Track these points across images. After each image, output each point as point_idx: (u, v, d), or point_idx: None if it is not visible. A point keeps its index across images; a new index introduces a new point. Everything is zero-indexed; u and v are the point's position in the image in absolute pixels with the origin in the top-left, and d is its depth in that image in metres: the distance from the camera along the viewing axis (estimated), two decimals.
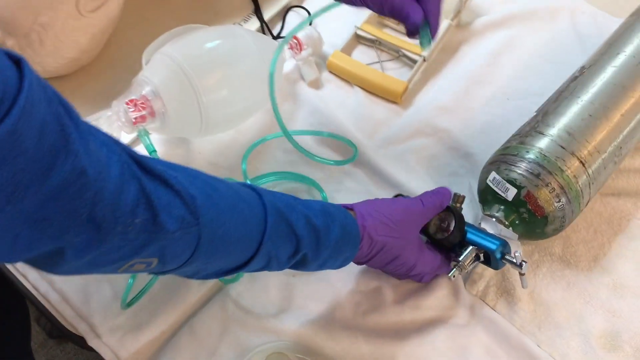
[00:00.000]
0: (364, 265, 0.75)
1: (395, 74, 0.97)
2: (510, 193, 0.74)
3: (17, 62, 0.39)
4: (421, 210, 0.71)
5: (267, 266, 0.62)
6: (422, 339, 0.74)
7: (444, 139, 0.91)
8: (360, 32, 1.02)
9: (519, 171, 0.73)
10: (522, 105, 0.95)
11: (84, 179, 0.42)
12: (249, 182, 0.83)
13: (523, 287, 0.74)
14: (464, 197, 0.76)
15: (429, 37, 0.71)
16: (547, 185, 0.72)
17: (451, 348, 0.74)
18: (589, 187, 0.75)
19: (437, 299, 0.77)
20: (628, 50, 0.82)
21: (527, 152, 0.74)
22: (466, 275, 0.79)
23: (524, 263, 0.71)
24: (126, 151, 0.49)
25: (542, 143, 0.75)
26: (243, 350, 0.74)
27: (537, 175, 0.72)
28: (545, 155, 0.73)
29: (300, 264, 0.64)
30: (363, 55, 1.02)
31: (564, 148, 0.74)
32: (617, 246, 0.81)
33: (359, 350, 0.74)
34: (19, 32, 0.80)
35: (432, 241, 0.74)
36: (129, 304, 0.75)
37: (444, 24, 0.99)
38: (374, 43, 1.02)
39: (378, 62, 1.00)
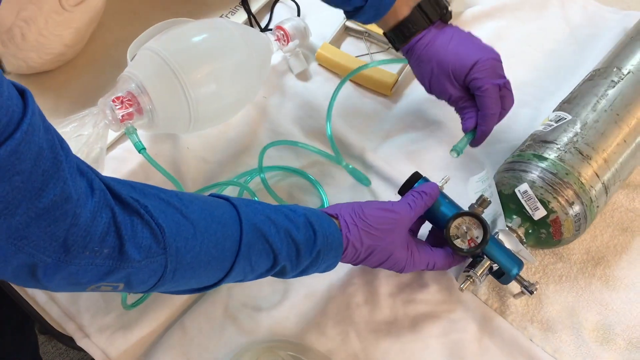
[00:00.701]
0: None
1: (385, 66, 0.96)
2: (539, 213, 0.72)
3: (22, 93, 0.43)
4: (409, 216, 0.70)
5: (243, 280, 0.63)
6: (414, 335, 0.74)
7: (435, 131, 0.90)
8: (349, 24, 1.00)
9: (555, 195, 0.71)
10: (514, 96, 0.94)
11: (68, 204, 0.45)
12: (262, 175, 0.83)
13: (515, 298, 0.74)
14: (489, 203, 0.73)
15: (465, 144, 0.78)
16: (575, 215, 0.71)
17: (444, 343, 0.74)
18: (601, 209, 0.76)
19: (430, 293, 0.77)
20: None
21: (567, 174, 0.71)
22: (459, 271, 0.78)
23: (534, 291, 0.70)
24: (102, 180, 0.51)
25: (585, 171, 0.72)
26: (235, 347, 0.74)
27: (571, 204, 0.71)
28: (583, 184, 0.71)
29: (280, 273, 0.65)
30: (352, 47, 1.01)
31: (597, 175, 0.72)
32: (610, 238, 0.81)
33: (351, 347, 0.73)
34: (1, 27, 0.79)
35: (450, 246, 0.71)
36: (134, 305, 0.75)
37: None
38: (363, 35, 1.01)
39: (367, 54, 0.99)
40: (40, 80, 0.93)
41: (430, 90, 0.81)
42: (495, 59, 0.77)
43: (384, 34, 0.82)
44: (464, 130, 0.79)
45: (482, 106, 0.76)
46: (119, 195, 0.51)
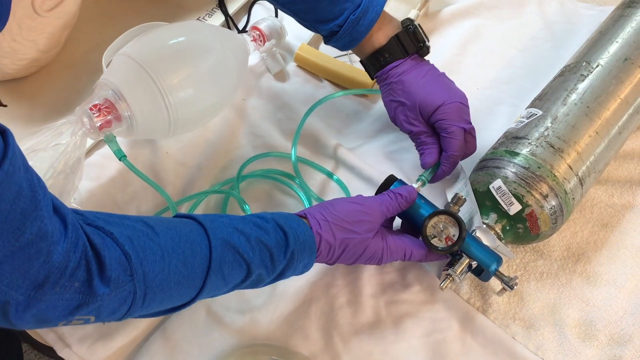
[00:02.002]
0: None
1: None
2: (514, 208, 0.72)
3: (2, 132, 0.43)
4: (379, 209, 0.70)
5: (218, 293, 0.64)
6: (397, 336, 0.74)
7: None
8: None
9: (528, 189, 0.71)
10: (492, 94, 0.95)
11: (44, 242, 0.46)
12: (236, 192, 0.83)
13: (498, 295, 0.74)
14: (464, 201, 0.73)
15: (427, 179, 0.78)
16: (550, 208, 0.72)
17: (427, 343, 0.74)
18: (578, 202, 0.76)
19: (412, 293, 0.77)
20: (633, 56, 0.81)
21: (539, 167, 0.72)
22: (440, 270, 0.79)
23: (515, 285, 0.70)
24: (75, 214, 0.51)
25: (557, 164, 0.72)
26: (218, 352, 0.73)
27: (545, 197, 0.71)
28: (555, 176, 0.72)
29: (257, 282, 0.65)
30: (330, 47, 1.00)
31: (570, 167, 0.73)
32: (590, 234, 0.81)
33: (334, 350, 0.73)
34: None
35: (427, 245, 0.72)
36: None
37: (411, 13, 0.98)
38: None
39: (346, 54, 0.99)
40: (14, 87, 0.92)
41: (394, 119, 0.81)
42: (463, 103, 0.78)
43: (360, 61, 0.83)
44: (423, 165, 0.78)
45: (447, 147, 0.77)
46: (86, 228, 0.51)
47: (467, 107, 0.78)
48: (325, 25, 0.78)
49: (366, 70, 0.83)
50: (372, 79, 0.83)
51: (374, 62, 0.80)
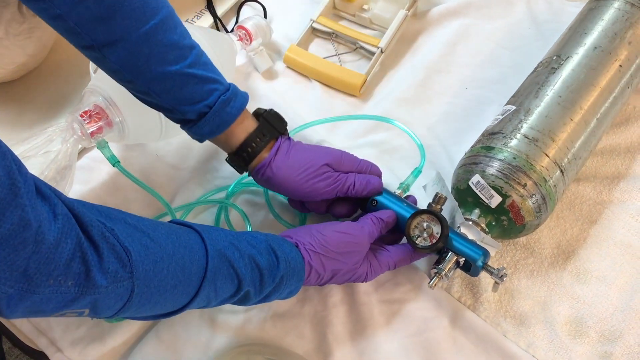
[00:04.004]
0: None
1: (353, 67, 0.96)
2: (495, 200, 0.73)
3: None
4: (367, 238, 0.71)
5: (207, 305, 0.64)
6: (389, 335, 0.75)
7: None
8: (316, 25, 1.00)
9: (506, 180, 0.72)
10: (481, 94, 0.95)
11: (27, 232, 0.44)
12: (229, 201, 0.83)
13: (493, 291, 0.74)
14: (445, 199, 0.74)
15: (409, 186, 0.81)
16: (531, 197, 0.72)
17: (419, 342, 0.74)
18: (562, 191, 0.76)
19: (404, 292, 0.77)
20: (603, 44, 0.82)
21: (515, 158, 0.73)
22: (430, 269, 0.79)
23: (504, 276, 0.70)
24: (66, 204, 0.49)
25: (532, 153, 0.73)
26: (212, 353, 0.73)
27: (524, 186, 0.72)
28: (532, 165, 0.72)
29: (244, 299, 0.65)
30: (320, 48, 1.01)
31: (547, 156, 0.73)
32: (579, 231, 0.82)
33: (328, 348, 0.73)
34: None
35: (412, 245, 0.72)
36: (119, 318, 0.74)
37: (400, 14, 0.98)
38: (331, 36, 1.01)
39: (335, 55, 0.99)
40: (3, 91, 0.91)
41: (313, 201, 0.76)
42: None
43: (227, 160, 0.75)
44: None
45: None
46: (84, 219, 0.50)
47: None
48: (193, 106, 0.69)
49: (236, 165, 0.75)
50: (249, 174, 0.75)
51: (246, 151, 0.72)
